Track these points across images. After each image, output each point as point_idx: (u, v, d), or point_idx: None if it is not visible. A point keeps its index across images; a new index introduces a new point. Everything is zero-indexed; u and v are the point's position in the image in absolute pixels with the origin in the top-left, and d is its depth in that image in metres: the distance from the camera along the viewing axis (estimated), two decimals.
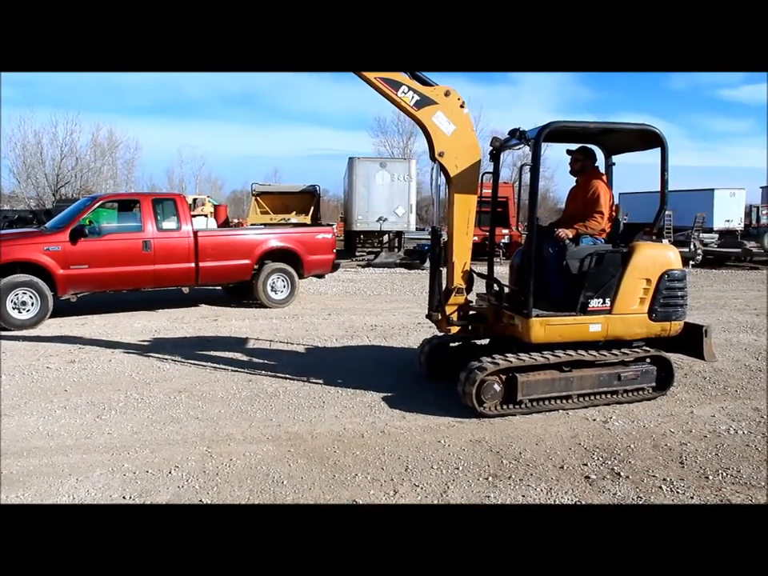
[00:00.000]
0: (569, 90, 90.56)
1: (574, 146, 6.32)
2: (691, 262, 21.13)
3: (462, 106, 5.89)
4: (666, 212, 23.12)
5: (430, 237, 6.92)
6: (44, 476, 4.42)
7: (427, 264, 6.24)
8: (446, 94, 5.82)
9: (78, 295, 10.32)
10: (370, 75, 5.66)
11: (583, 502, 4.23)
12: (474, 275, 6.25)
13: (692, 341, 6.14)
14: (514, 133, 5.78)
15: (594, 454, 4.88)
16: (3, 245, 9.84)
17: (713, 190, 28.87)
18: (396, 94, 5.73)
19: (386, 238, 22.47)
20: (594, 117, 75.05)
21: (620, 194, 40.57)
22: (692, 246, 23.04)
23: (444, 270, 6.17)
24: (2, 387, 6.47)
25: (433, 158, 5.92)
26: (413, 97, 5.75)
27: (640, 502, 4.24)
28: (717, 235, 26.49)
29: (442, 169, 5.94)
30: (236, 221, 27.30)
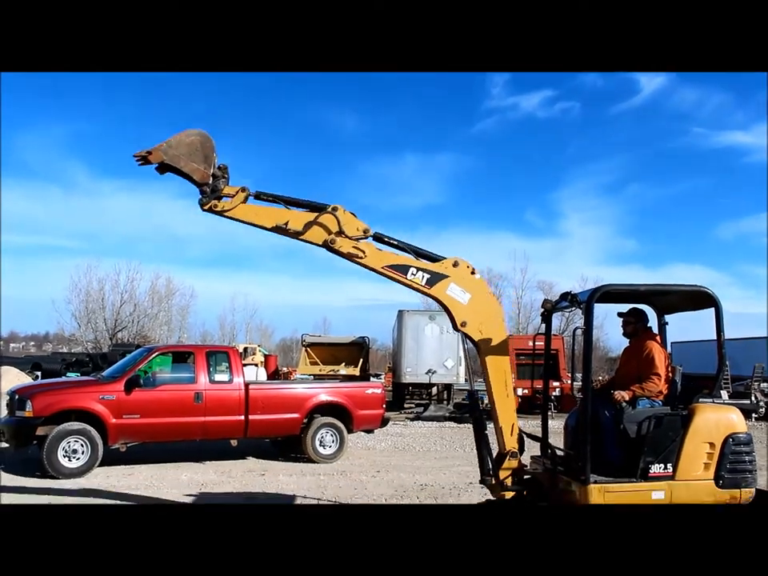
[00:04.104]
0: (615, 242, 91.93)
1: (624, 308, 6.33)
2: (754, 415, 20.28)
3: (473, 273, 6.00)
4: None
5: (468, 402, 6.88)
6: None
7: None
8: (455, 264, 5.95)
9: (128, 445, 10.37)
10: (377, 266, 5.85)
11: None
12: (525, 436, 6.11)
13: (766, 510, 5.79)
14: (565, 296, 5.84)
15: None
16: (62, 393, 10.15)
17: None
18: (406, 278, 5.86)
19: (434, 390, 22.31)
20: (640, 267, 75.71)
21: (671, 342, 39.93)
22: (753, 398, 22.20)
23: (489, 432, 6.07)
24: None
25: (456, 328, 5.97)
26: (423, 276, 5.87)
27: None
28: None
29: (468, 338, 6.00)
30: (285, 370, 27.57)
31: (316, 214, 5.85)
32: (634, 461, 5.46)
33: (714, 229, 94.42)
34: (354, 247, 5.82)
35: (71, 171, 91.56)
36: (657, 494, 5.41)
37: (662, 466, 5.46)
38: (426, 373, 20.90)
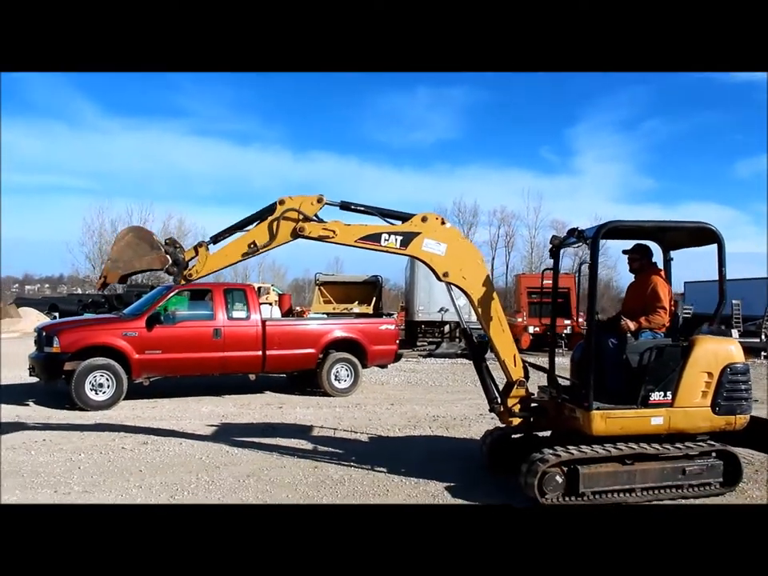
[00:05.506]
0: (631, 180, 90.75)
1: (629, 246, 6.49)
2: (763, 353, 20.53)
3: (443, 223, 6.14)
4: (735, 301, 22.60)
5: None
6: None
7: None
8: (423, 219, 6.07)
9: (151, 379, 10.78)
10: (349, 241, 5.98)
11: None
12: (528, 365, 6.41)
13: (760, 435, 6.09)
14: (572, 232, 6.02)
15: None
16: (86, 329, 10.50)
17: None
18: (380, 245, 6.00)
19: (447, 328, 22.59)
20: (656, 206, 74.87)
21: (685, 282, 39.93)
22: (763, 337, 22.42)
23: (489, 362, 6.39)
24: (82, 465, 6.83)
25: (440, 280, 6.17)
26: (396, 239, 6.01)
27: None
28: None
29: (453, 285, 6.21)
30: (299, 309, 27.90)
31: (270, 219, 5.94)
32: (636, 389, 5.75)
33: (733, 166, 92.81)
34: (323, 229, 5.96)
35: (78, 108, 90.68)
36: (656, 419, 5.72)
37: (662, 393, 5.74)
38: (439, 311, 21.11)
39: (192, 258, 6.06)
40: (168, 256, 5.97)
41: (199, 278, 6.12)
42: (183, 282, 6.16)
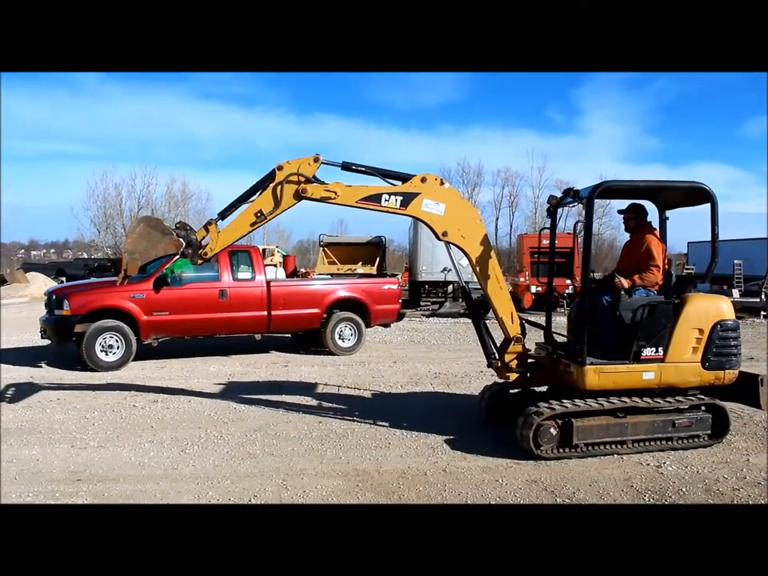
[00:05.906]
0: (637, 141, 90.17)
1: (624, 206, 6.63)
2: (762, 313, 20.69)
3: (442, 183, 6.25)
4: (737, 261, 22.63)
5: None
6: (139, 501, 4.92)
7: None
8: (423, 180, 6.18)
9: (159, 340, 11.03)
10: (351, 202, 6.10)
11: None
12: (525, 323, 6.59)
13: (748, 390, 6.28)
14: (568, 192, 6.16)
15: (645, 496, 5.10)
16: (95, 292, 10.71)
17: None
18: (380, 206, 6.11)
19: (450, 288, 22.78)
20: (663, 166, 74.28)
21: (688, 243, 39.93)
22: (763, 296, 22.55)
23: (489, 320, 6.56)
24: (96, 422, 7.10)
25: (439, 239, 6.30)
26: (396, 200, 6.12)
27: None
28: None
29: (452, 245, 6.34)
30: (303, 270, 28.07)
31: (272, 185, 6.06)
32: (628, 345, 5.94)
33: (743, 126, 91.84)
34: (325, 190, 6.08)
35: (78, 73, 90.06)
36: (647, 374, 5.92)
37: (654, 349, 5.93)
38: (442, 271, 21.25)
39: (203, 237, 6.22)
40: (181, 239, 6.13)
41: (214, 254, 6.28)
42: (200, 262, 6.31)
